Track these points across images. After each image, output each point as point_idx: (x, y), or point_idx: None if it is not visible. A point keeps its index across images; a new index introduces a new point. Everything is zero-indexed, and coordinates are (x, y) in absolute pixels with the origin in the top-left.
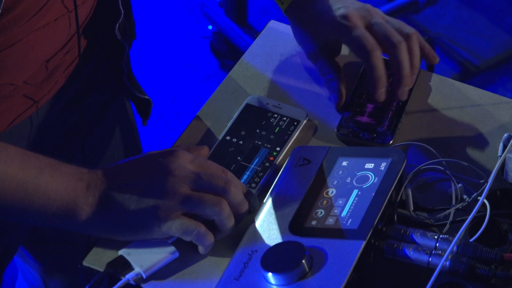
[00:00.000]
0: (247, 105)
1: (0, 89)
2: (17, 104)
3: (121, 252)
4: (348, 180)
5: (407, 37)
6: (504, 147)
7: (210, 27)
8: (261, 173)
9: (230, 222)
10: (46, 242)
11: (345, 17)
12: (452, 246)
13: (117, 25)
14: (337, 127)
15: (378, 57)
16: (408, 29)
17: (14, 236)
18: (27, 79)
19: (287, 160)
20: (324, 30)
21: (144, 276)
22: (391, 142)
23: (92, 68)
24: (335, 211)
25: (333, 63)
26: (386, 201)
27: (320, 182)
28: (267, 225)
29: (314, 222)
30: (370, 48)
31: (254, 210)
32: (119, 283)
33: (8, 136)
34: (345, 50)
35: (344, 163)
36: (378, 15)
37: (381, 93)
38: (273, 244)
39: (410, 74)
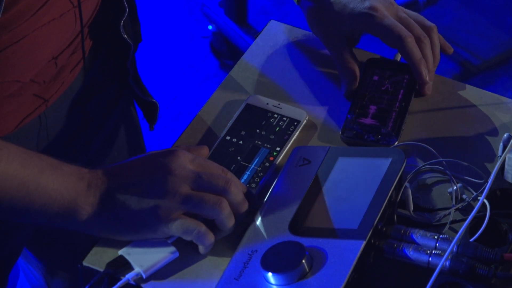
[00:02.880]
0: (247, 105)
1: (7, 87)
2: (26, 103)
3: (121, 252)
4: (348, 180)
5: (429, 29)
6: (504, 147)
7: (210, 27)
8: (261, 173)
9: (230, 221)
10: (49, 242)
11: (372, 8)
12: (452, 246)
13: (121, 23)
14: (341, 129)
15: (413, 42)
16: (429, 22)
17: (18, 238)
18: (34, 77)
19: (287, 160)
20: (349, 21)
21: (144, 276)
22: (396, 143)
23: (99, 67)
24: (335, 211)
25: (352, 52)
26: (386, 201)
27: (320, 182)
28: (267, 225)
29: (314, 222)
30: (404, 35)
31: (254, 210)
32: (119, 283)
33: (17, 136)
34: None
35: (344, 163)
36: (401, 9)
37: (427, 74)
38: (273, 244)
39: (433, 68)
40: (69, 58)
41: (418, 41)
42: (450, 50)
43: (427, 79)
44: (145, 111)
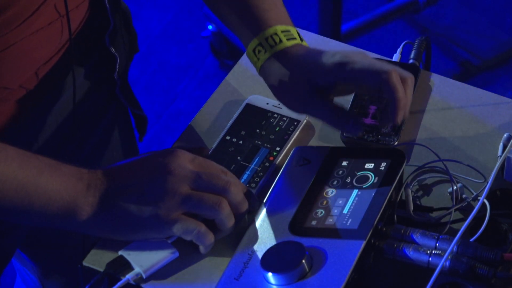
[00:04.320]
0: (247, 105)
1: None
2: (14, 108)
3: (121, 252)
4: (348, 180)
5: (404, 81)
6: (504, 147)
7: (210, 27)
8: (261, 173)
9: (230, 221)
10: (44, 245)
11: (345, 57)
12: (452, 246)
13: (107, 36)
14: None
15: (398, 77)
16: (406, 73)
17: (11, 239)
18: (22, 83)
19: (287, 160)
20: (323, 74)
21: (144, 276)
22: (396, 143)
23: (86, 76)
24: (335, 211)
25: (332, 105)
26: (386, 201)
27: (320, 182)
28: (267, 225)
29: (314, 222)
30: (387, 69)
31: (254, 210)
32: (119, 283)
33: (5, 141)
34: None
35: (344, 163)
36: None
37: (401, 115)
38: (273, 244)
39: (406, 99)
40: (56, 65)
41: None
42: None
43: (399, 121)
44: (136, 122)
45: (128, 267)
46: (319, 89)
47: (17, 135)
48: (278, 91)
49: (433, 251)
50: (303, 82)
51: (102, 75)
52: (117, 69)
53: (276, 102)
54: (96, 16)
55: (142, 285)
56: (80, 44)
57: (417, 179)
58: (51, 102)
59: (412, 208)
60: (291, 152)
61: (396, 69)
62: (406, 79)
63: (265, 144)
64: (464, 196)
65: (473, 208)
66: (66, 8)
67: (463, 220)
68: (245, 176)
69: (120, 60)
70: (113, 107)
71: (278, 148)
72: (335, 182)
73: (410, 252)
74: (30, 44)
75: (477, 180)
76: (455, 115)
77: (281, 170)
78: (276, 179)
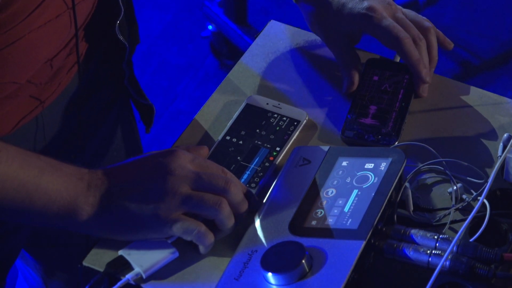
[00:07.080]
0: (247, 105)
1: (3, 88)
2: (23, 105)
3: (121, 252)
4: (348, 180)
5: (426, 30)
6: (504, 147)
7: (210, 27)
8: (261, 173)
9: (230, 221)
10: (47, 243)
11: (370, 9)
12: (452, 246)
13: (117, 24)
14: (341, 129)
15: (411, 43)
16: (426, 23)
17: (16, 240)
18: (30, 78)
19: (287, 160)
20: (347, 21)
21: (144, 276)
22: (396, 143)
23: (94, 69)
24: (335, 211)
25: (353, 51)
26: (386, 201)
27: (320, 182)
28: (267, 225)
29: (314, 222)
30: (402, 36)
31: (254, 210)
32: (119, 283)
33: (14, 138)
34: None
35: (344, 163)
36: (399, 10)
37: (426, 73)
38: (273, 244)
39: (429, 70)
40: (65, 60)
41: (414, 43)
42: (450, 45)
43: (427, 79)
44: (142, 114)
45: (128, 267)
46: (346, 33)
47: (26, 132)
48: (312, 25)
49: (433, 251)
50: (331, 22)
51: (110, 66)
52: (126, 59)
53: (276, 102)
54: (105, 4)
55: (142, 285)
56: (89, 36)
57: (417, 179)
58: (60, 98)
59: (412, 208)
60: (291, 152)
61: (411, 30)
62: (419, 41)
63: (265, 144)
64: (464, 196)
65: (473, 208)
66: (72, 0)
67: (463, 220)
68: (245, 176)
69: (128, 49)
70: (117, 104)
71: (278, 148)
72: (335, 182)
73: (410, 252)
74: (37, 37)
75: (477, 180)
76: (455, 115)
77: (281, 170)
78: (276, 179)
